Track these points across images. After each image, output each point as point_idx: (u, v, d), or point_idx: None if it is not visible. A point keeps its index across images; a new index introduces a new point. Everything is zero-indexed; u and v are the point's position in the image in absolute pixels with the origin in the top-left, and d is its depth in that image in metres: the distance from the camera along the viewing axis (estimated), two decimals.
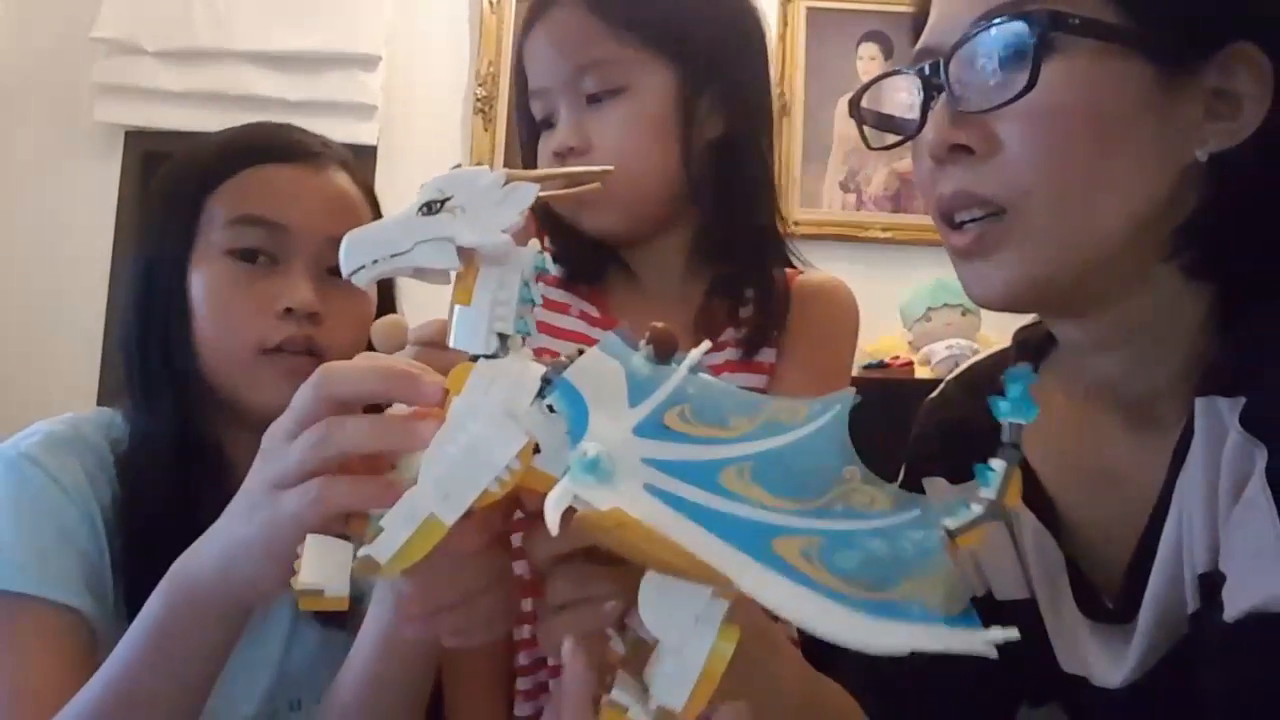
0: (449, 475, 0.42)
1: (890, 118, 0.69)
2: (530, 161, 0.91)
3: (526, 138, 0.91)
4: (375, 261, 0.46)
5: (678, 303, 0.90)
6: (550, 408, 0.43)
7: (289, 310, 0.83)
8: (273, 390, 0.83)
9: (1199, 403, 0.59)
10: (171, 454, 0.84)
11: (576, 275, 0.91)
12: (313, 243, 0.86)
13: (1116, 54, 0.57)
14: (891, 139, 0.69)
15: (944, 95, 0.61)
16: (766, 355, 0.89)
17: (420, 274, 0.47)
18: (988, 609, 0.72)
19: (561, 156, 0.85)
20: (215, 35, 2.67)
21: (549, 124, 0.88)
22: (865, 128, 0.71)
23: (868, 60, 2.75)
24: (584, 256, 0.90)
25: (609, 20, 0.84)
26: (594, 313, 0.90)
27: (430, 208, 0.45)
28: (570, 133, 0.85)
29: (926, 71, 0.63)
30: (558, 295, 0.91)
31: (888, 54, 2.72)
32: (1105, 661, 0.65)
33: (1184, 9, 0.57)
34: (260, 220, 0.85)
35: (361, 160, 3.08)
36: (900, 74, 0.66)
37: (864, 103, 0.70)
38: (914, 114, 0.65)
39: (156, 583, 0.81)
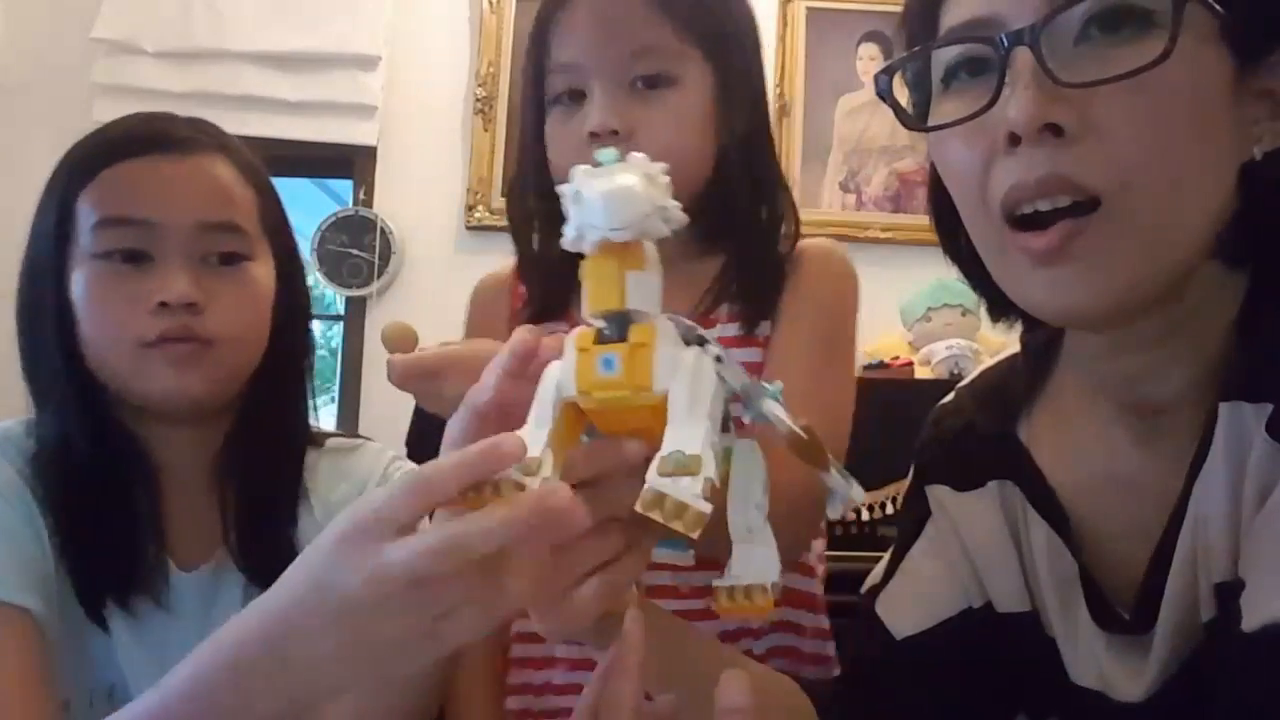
0: (710, 404, 0.49)
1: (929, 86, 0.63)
2: (537, 136, 0.89)
3: (533, 108, 0.89)
4: (643, 218, 0.49)
5: (680, 289, 0.89)
6: (718, 358, 0.52)
7: (163, 304, 0.83)
8: (160, 380, 0.84)
9: (1223, 408, 0.57)
10: (67, 450, 0.84)
11: (546, 310, 0.90)
12: (185, 233, 0.85)
13: (1215, 39, 0.54)
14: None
15: (1030, 68, 0.54)
16: (764, 329, 0.89)
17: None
18: (988, 621, 0.71)
19: (598, 137, 0.83)
20: (215, 35, 2.67)
21: (571, 99, 0.86)
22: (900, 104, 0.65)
23: (868, 60, 2.75)
24: (553, 288, 0.90)
25: (668, 10, 0.84)
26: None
27: (653, 181, 0.50)
28: (614, 115, 0.83)
29: (1014, 40, 0.55)
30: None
31: (887, 54, 2.71)
32: (1123, 675, 0.63)
33: (1269, 3, 0.56)
34: (125, 220, 0.84)
35: (361, 160, 3.07)
36: (973, 43, 0.59)
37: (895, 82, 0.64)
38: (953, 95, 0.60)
39: (92, 579, 0.81)
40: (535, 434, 0.49)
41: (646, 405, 0.48)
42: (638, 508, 0.45)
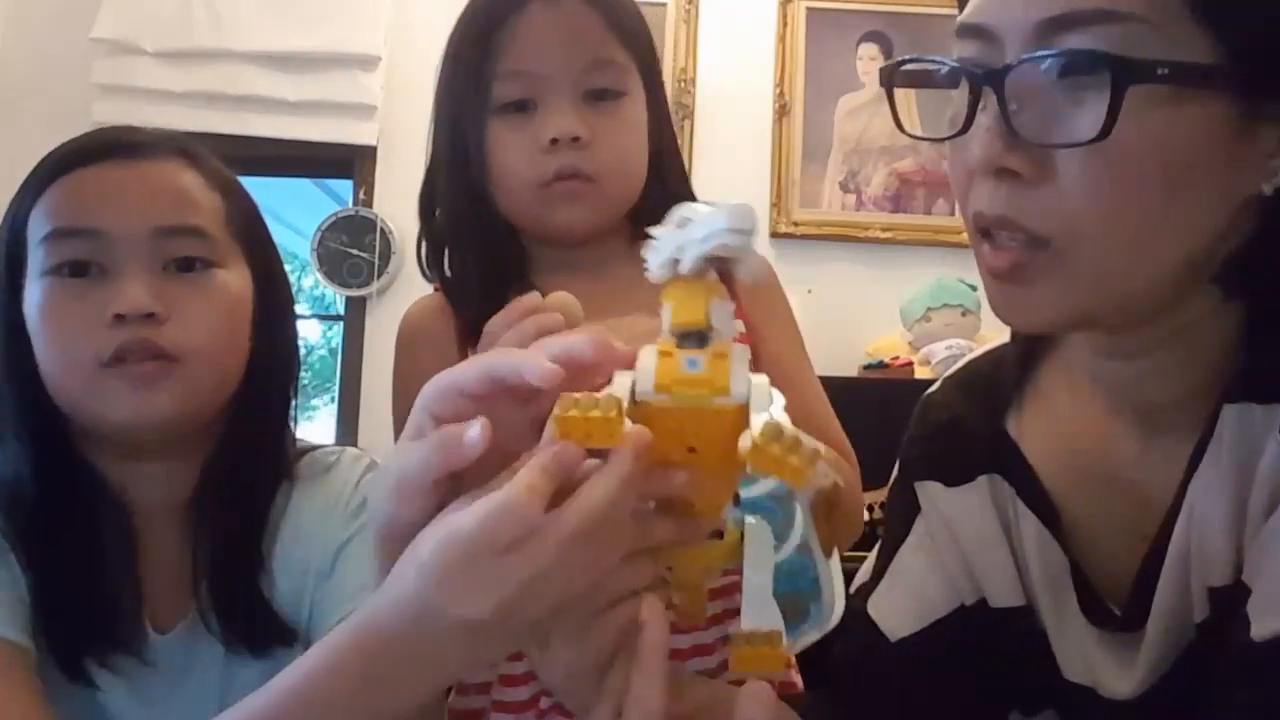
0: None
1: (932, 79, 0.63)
2: (479, 144, 0.88)
3: (475, 115, 0.88)
4: (754, 232, 0.51)
5: (623, 291, 0.89)
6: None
7: (120, 316, 0.76)
8: (121, 404, 0.77)
9: (1228, 410, 0.57)
10: (27, 491, 0.78)
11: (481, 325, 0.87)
12: (138, 241, 0.78)
13: (1200, 96, 0.53)
14: (915, 121, 0.65)
15: (994, 111, 0.55)
16: None
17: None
18: (982, 616, 0.71)
19: (557, 144, 0.84)
20: (215, 35, 2.67)
21: (517, 108, 0.87)
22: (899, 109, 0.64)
23: (867, 60, 2.75)
24: (483, 299, 0.88)
25: (615, 28, 0.88)
26: None
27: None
28: (579, 122, 0.85)
29: (980, 79, 0.56)
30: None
31: (887, 54, 2.72)
32: (1113, 672, 0.63)
33: (1272, 41, 0.54)
34: (75, 231, 0.78)
35: (362, 160, 3.06)
36: (949, 69, 0.59)
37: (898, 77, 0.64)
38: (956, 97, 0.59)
39: (66, 638, 0.76)
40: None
41: (716, 411, 0.49)
42: (757, 439, 0.45)
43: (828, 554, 0.57)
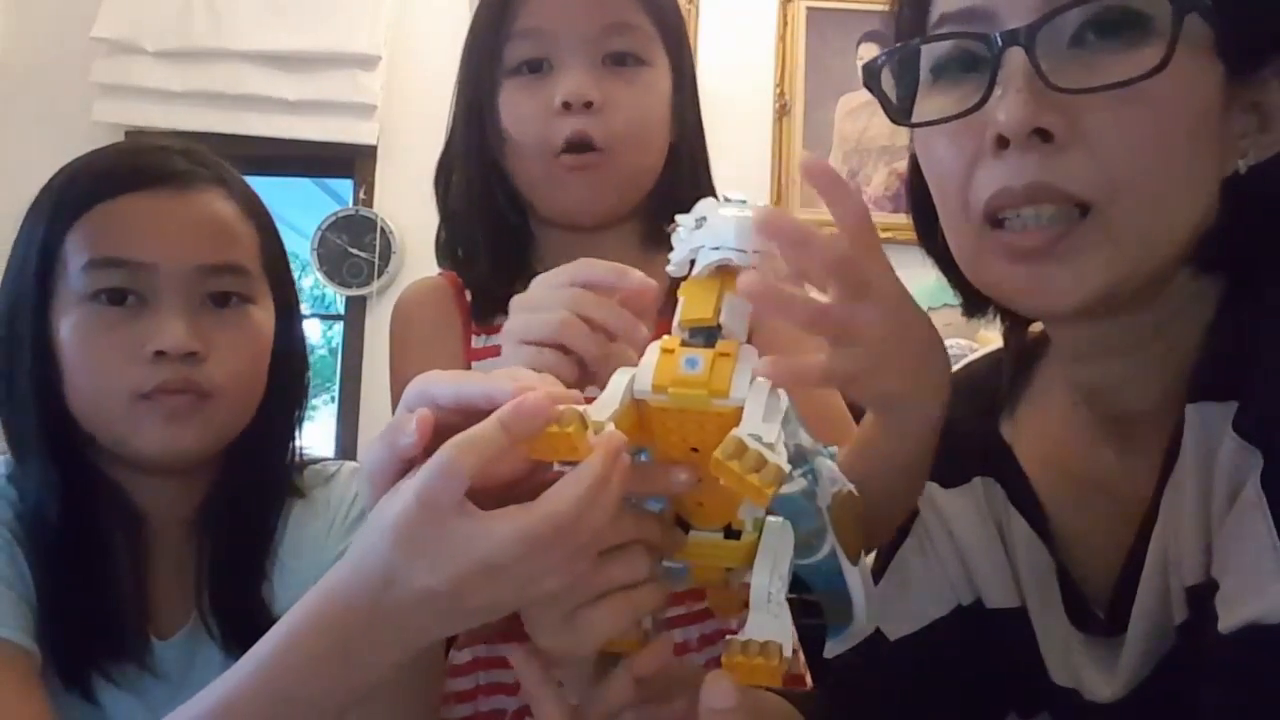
0: (780, 423, 0.49)
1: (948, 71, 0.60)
2: (478, 103, 0.86)
3: (489, 76, 0.85)
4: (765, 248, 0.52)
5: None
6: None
7: (160, 354, 0.77)
8: (153, 435, 0.78)
9: (1190, 409, 0.57)
10: (48, 508, 0.79)
11: (488, 312, 0.87)
12: (182, 276, 0.79)
13: (1210, 51, 0.54)
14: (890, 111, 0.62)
15: (1022, 70, 0.54)
16: None
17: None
18: (978, 617, 0.71)
19: (570, 107, 0.81)
20: (215, 35, 2.67)
21: (531, 69, 0.84)
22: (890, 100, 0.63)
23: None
24: (495, 289, 0.86)
25: None
26: None
27: None
28: (593, 86, 0.81)
29: (1000, 41, 0.54)
30: (480, 342, 0.88)
31: None
32: (1096, 675, 0.63)
33: (1264, 15, 0.55)
34: (119, 261, 0.78)
35: (362, 160, 3.05)
36: (965, 39, 0.57)
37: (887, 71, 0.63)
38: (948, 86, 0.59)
39: (72, 652, 0.75)
40: (600, 412, 0.49)
41: (715, 413, 0.48)
42: (717, 454, 0.45)
43: (853, 559, 0.55)
